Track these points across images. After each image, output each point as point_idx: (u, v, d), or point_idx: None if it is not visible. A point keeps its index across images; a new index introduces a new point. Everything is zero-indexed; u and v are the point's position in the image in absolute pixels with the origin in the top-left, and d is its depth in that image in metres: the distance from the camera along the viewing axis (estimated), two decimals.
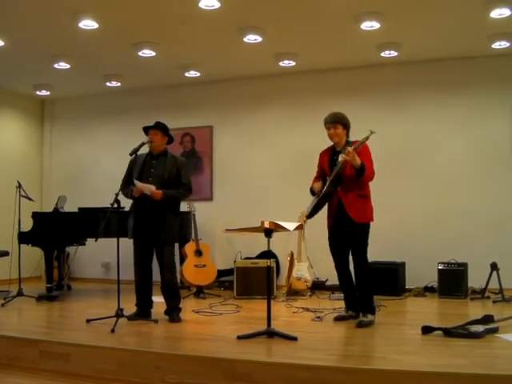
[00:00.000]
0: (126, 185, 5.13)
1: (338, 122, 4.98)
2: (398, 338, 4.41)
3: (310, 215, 5.06)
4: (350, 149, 4.60)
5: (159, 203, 5.05)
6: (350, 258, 5.00)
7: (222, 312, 5.65)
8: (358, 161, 4.64)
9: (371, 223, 4.93)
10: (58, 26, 5.72)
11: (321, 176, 5.17)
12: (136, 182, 5.02)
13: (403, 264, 6.70)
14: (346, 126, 5.02)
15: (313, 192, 5.07)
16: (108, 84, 7.92)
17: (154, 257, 5.22)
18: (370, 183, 4.95)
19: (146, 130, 5.23)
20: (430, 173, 6.99)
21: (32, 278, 7.66)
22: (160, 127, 5.19)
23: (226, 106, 8.00)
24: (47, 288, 6.53)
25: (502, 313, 5.11)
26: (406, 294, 6.55)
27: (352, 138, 5.02)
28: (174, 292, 5.17)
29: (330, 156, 5.08)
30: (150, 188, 4.99)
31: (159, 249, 5.14)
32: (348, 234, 4.90)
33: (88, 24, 5.62)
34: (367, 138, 4.65)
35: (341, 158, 4.74)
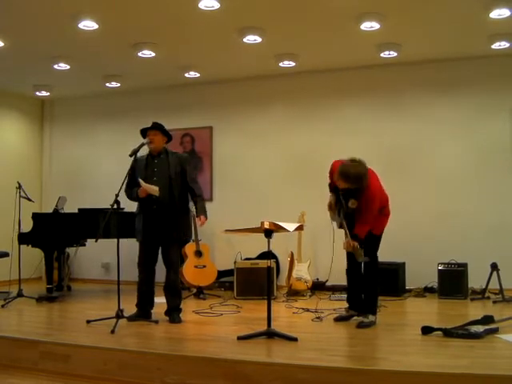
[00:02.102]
0: (129, 188, 5.14)
1: (347, 181, 4.66)
2: (398, 338, 4.41)
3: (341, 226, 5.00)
4: (351, 245, 4.64)
5: (167, 203, 5.06)
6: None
7: (222, 312, 5.65)
8: (361, 256, 4.69)
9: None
10: (58, 26, 5.72)
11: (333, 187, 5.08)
12: (141, 182, 5.02)
13: (403, 264, 6.69)
14: (357, 185, 4.68)
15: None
16: (108, 85, 7.92)
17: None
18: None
19: (144, 132, 5.24)
20: (429, 173, 6.98)
21: (32, 279, 7.66)
22: (159, 127, 5.20)
23: (226, 107, 8.00)
24: (47, 289, 6.53)
25: (502, 313, 5.11)
26: (406, 295, 6.55)
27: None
28: (176, 292, 5.18)
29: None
30: (154, 189, 4.99)
31: (167, 249, 5.13)
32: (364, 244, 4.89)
33: (88, 25, 5.62)
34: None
35: (351, 204, 4.71)
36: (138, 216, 5.21)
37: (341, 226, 4.97)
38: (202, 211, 5.17)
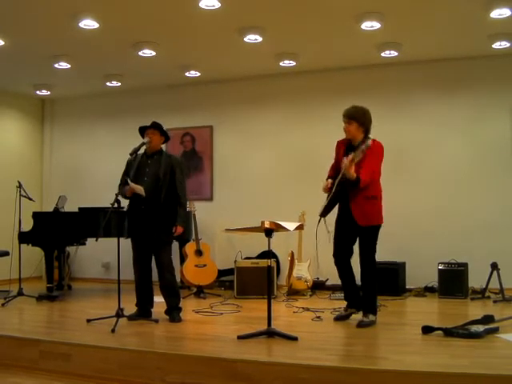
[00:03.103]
0: (122, 185, 5.15)
1: (353, 118, 4.86)
2: (399, 338, 4.41)
3: (323, 214, 4.96)
4: (346, 161, 4.51)
5: (155, 204, 5.07)
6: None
7: (222, 312, 5.65)
8: (353, 175, 4.54)
9: (382, 224, 4.90)
10: (59, 25, 5.72)
11: (335, 166, 5.07)
12: (129, 181, 5.05)
13: (403, 264, 6.69)
14: (363, 123, 4.85)
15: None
16: (108, 84, 7.92)
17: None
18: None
19: (142, 130, 5.24)
20: (430, 173, 6.99)
21: (32, 278, 7.66)
22: (158, 127, 5.21)
23: (226, 106, 8.00)
24: (47, 288, 6.54)
25: (502, 313, 5.12)
26: (407, 294, 6.55)
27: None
28: (173, 291, 5.17)
29: (344, 150, 4.94)
30: (139, 188, 5.02)
31: (156, 249, 5.14)
32: (354, 235, 4.89)
33: (88, 24, 5.62)
34: (368, 147, 4.52)
35: (352, 156, 4.58)
36: (127, 215, 5.22)
37: (325, 213, 4.92)
38: (180, 221, 5.17)
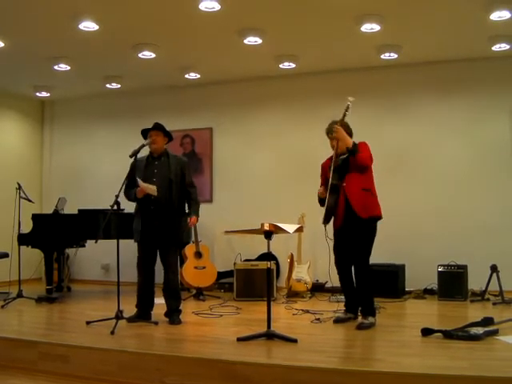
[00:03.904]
0: (128, 188, 5.11)
1: (338, 127, 4.92)
2: (398, 340, 4.41)
3: (326, 219, 4.98)
4: (336, 126, 4.84)
5: (165, 205, 5.07)
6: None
7: (221, 314, 5.64)
8: (349, 140, 4.83)
9: (379, 222, 4.94)
10: (59, 27, 5.72)
11: (325, 186, 5.14)
12: (140, 182, 5.01)
13: (403, 266, 6.69)
14: (348, 135, 4.96)
15: (321, 201, 5.06)
16: (108, 85, 7.92)
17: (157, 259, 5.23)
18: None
19: (145, 132, 5.24)
20: (429, 174, 6.99)
21: (32, 280, 7.65)
22: (161, 128, 5.21)
23: (226, 108, 8.00)
24: (47, 290, 6.53)
25: (501, 315, 5.11)
26: (406, 297, 6.55)
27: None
28: (175, 293, 5.17)
29: (330, 165, 5.05)
30: (152, 189, 4.99)
31: (164, 250, 5.14)
32: (354, 234, 4.89)
33: (88, 25, 5.62)
34: (348, 108, 4.84)
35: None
36: (136, 216, 5.19)
37: (327, 219, 4.98)
38: (194, 213, 5.23)
